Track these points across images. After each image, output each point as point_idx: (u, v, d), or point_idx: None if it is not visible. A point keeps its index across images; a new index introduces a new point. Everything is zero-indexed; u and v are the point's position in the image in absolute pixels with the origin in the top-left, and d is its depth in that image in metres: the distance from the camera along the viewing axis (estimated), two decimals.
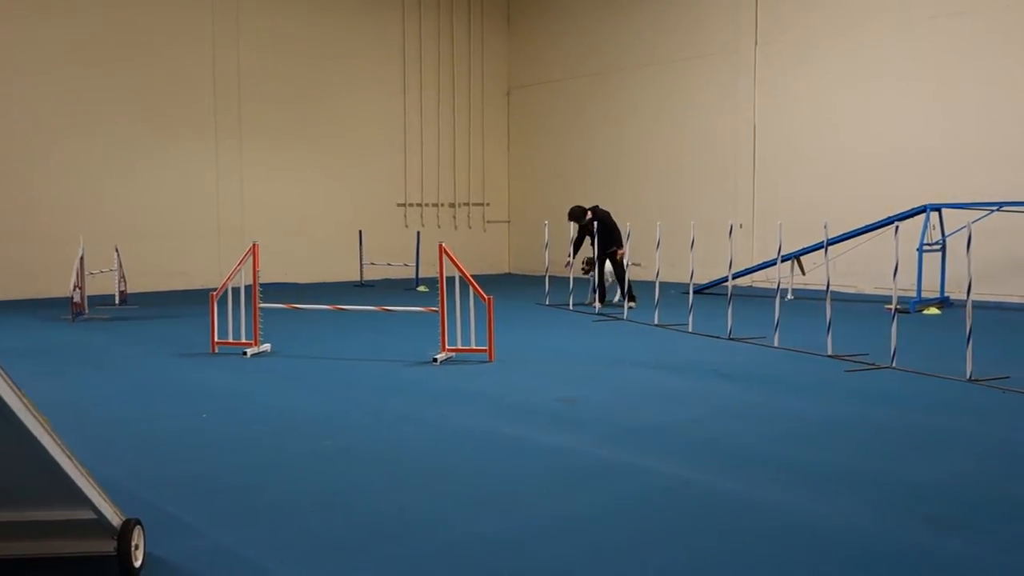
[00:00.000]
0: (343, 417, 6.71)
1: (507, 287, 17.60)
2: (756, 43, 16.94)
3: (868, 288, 14.97)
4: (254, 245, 9.53)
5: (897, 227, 8.48)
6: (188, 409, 6.98)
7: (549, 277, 14.44)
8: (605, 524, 4.38)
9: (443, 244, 9.14)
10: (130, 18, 16.73)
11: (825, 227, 9.64)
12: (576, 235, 13.85)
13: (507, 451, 5.72)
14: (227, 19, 17.75)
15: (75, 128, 16.21)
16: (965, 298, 7.70)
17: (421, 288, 16.19)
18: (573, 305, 13.40)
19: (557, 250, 16.40)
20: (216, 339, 9.52)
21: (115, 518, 3.60)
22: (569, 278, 13.62)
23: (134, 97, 16.82)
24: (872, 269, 14.39)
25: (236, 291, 9.53)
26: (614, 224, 13.60)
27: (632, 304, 12.90)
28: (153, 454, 5.72)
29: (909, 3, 14.88)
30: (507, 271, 22.07)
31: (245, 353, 9.27)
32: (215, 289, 9.64)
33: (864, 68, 15.47)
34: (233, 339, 9.53)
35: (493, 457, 5.60)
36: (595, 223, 13.23)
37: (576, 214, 13.72)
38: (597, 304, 13.25)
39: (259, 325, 9.49)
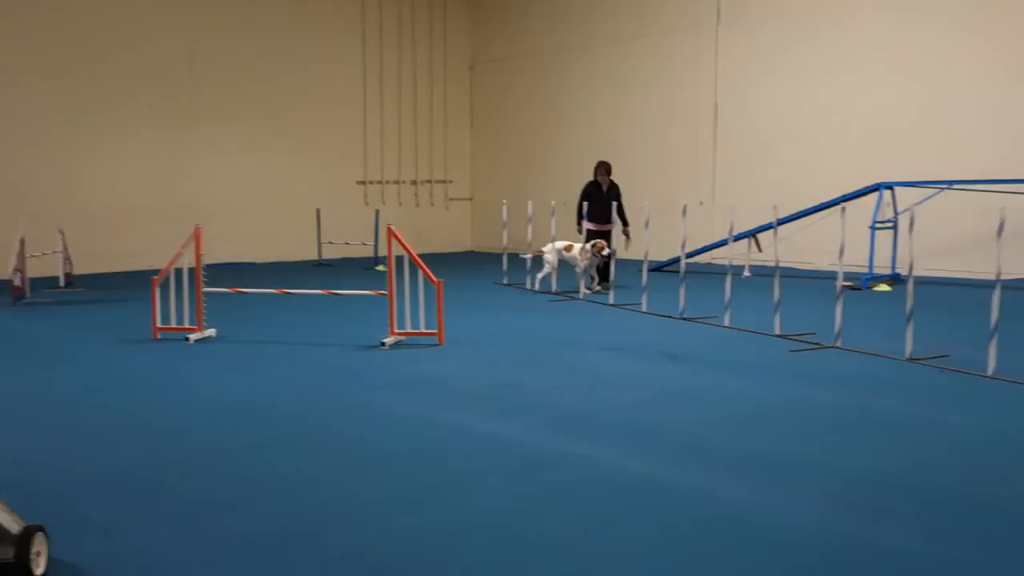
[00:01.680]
0: (280, 406, 6.60)
1: (468, 265, 17.50)
2: (718, 21, 16.85)
3: (824, 265, 15.00)
4: (196, 228, 9.35)
5: (844, 208, 8.45)
6: (120, 400, 6.82)
7: (508, 256, 14.34)
8: (532, 516, 4.32)
9: (392, 227, 9.02)
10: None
11: (775, 208, 9.58)
12: (584, 199, 12.92)
13: (443, 440, 5.64)
14: None
15: (14, 107, 15.79)
16: (915, 275, 7.72)
17: (380, 267, 16.04)
18: (538, 286, 13.30)
19: (516, 228, 16.32)
20: (158, 324, 9.35)
21: (14, 526, 3.49)
22: (528, 257, 13.50)
23: (79, 75, 16.42)
24: (828, 246, 14.39)
25: (181, 275, 9.35)
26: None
27: (599, 288, 12.72)
28: (75, 448, 5.56)
29: None
30: (470, 248, 21.95)
31: (188, 339, 9.11)
32: (177, 271, 9.39)
33: (823, 47, 15.45)
34: (176, 324, 9.36)
35: (428, 447, 5.52)
36: (617, 188, 12.90)
37: (609, 168, 13.06)
38: (602, 287, 12.66)
39: (203, 310, 9.32)
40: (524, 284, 13.44)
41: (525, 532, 4.12)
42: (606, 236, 12.81)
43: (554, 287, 12.70)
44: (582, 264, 12.31)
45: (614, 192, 12.98)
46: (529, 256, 13.33)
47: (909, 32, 14.36)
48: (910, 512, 4.33)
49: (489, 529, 4.17)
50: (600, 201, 12.87)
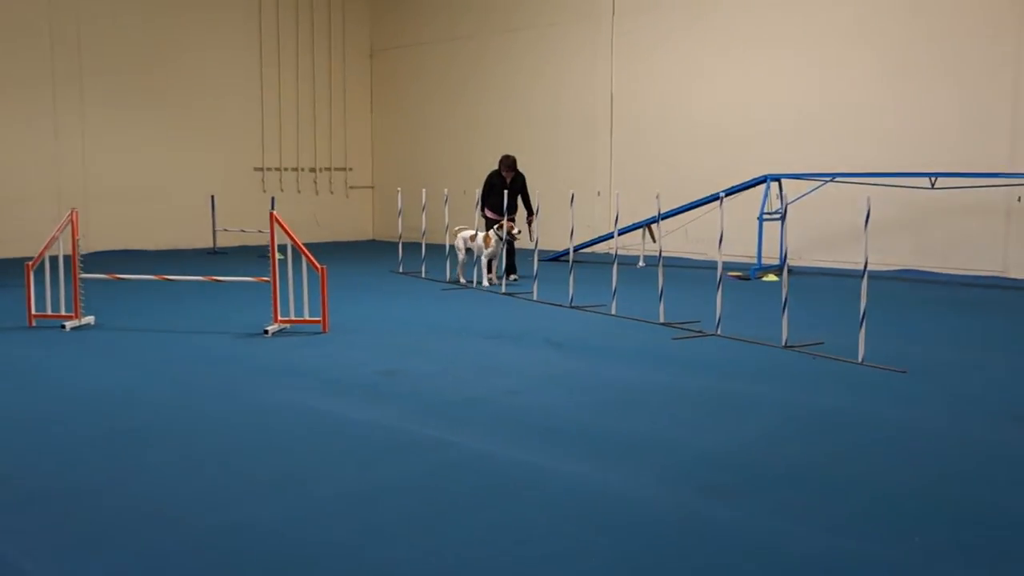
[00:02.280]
0: (149, 394, 6.45)
1: (366, 254, 17.36)
2: (614, 12, 17.02)
3: (716, 256, 15.32)
4: (72, 211, 9.05)
5: (722, 200, 8.66)
6: None
7: (403, 244, 14.27)
8: (387, 502, 4.31)
9: (275, 213, 8.89)
10: None
11: (657, 198, 9.76)
12: (487, 189, 12.81)
13: (310, 428, 5.59)
14: None
15: None
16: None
17: (280, 256, 15.73)
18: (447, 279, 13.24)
19: (411, 216, 16.24)
20: (33, 311, 9.03)
21: None
22: (422, 245, 13.44)
23: None
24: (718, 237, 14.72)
25: (57, 261, 9.04)
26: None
27: (514, 277, 12.67)
28: None
29: None
30: (371, 237, 21.78)
31: (64, 326, 8.82)
32: (55, 258, 9.08)
33: (714, 40, 15.75)
34: (53, 311, 9.06)
35: (294, 434, 5.46)
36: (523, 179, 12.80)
37: (513, 163, 12.88)
38: (492, 280, 12.43)
39: (80, 297, 9.04)
40: (419, 273, 13.37)
41: (374, 518, 4.11)
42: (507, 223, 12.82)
43: (462, 277, 12.52)
44: (486, 251, 12.23)
45: (518, 183, 12.98)
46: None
47: (799, 28, 14.75)
48: (752, 489, 4.46)
49: (338, 515, 4.14)
50: (502, 191, 12.86)
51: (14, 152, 16.45)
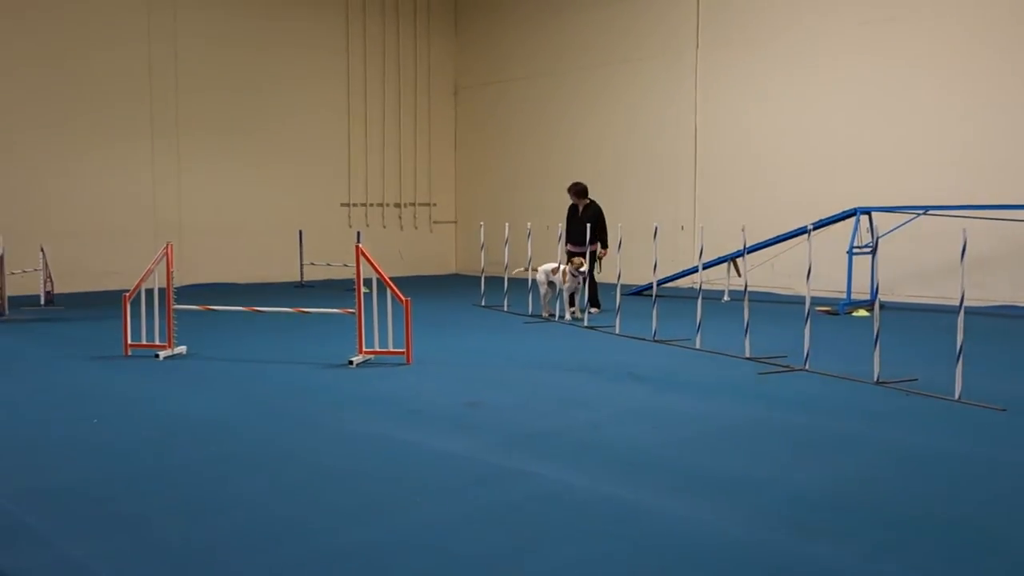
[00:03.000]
0: (240, 422, 6.57)
1: (449, 288, 17.51)
2: (697, 46, 16.98)
3: (804, 290, 15.03)
4: (168, 245, 9.35)
5: (809, 233, 8.49)
6: (83, 414, 6.80)
7: (485, 278, 14.34)
8: (470, 532, 4.29)
9: (360, 246, 9.04)
10: (65, 12, 16.43)
11: (743, 230, 9.62)
12: (567, 222, 12.92)
13: (395, 457, 5.62)
14: (164, 12, 17.47)
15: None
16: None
17: (364, 290, 15.97)
18: (514, 311, 13.26)
19: (493, 251, 16.32)
20: (129, 341, 9.33)
21: None
22: (504, 279, 13.49)
23: (65, 92, 16.51)
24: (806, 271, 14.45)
25: (153, 293, 9.34)
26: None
27: (596, 310, 12.65)
28: (30, 462, 5.55)
29: (842, 9, 14.98)
30: (454, 271, 21.97)
31: (158, 356, 9.09)
32: (151, 290, 9.42)
33: (800, 72, 15.56)
34: (147, 341, 9.34)
35: (379, 464, 5.49)
36: (596, 208, 12.84)
37: (582, 190, 13.05)
38: (575, 314, 12.29)
39: (173, 327, 9.31)
40: (502, 306, 13.41)
41: (460, 549, 4.09)
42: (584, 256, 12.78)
43: (545, 311, 12.52)
44: (564, 285, 12.19)
45: (589, 213, 12.96)
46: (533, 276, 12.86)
47: (889, 58, 14.47)
48: (853, 530, 4.31)
49: (426, 547, 4.13)
50: (577, 223, 12.87)
51: (115, 190, 17.12)
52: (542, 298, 12.43)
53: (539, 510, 4.62)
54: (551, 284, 12.35)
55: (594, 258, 12.60)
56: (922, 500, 4.78)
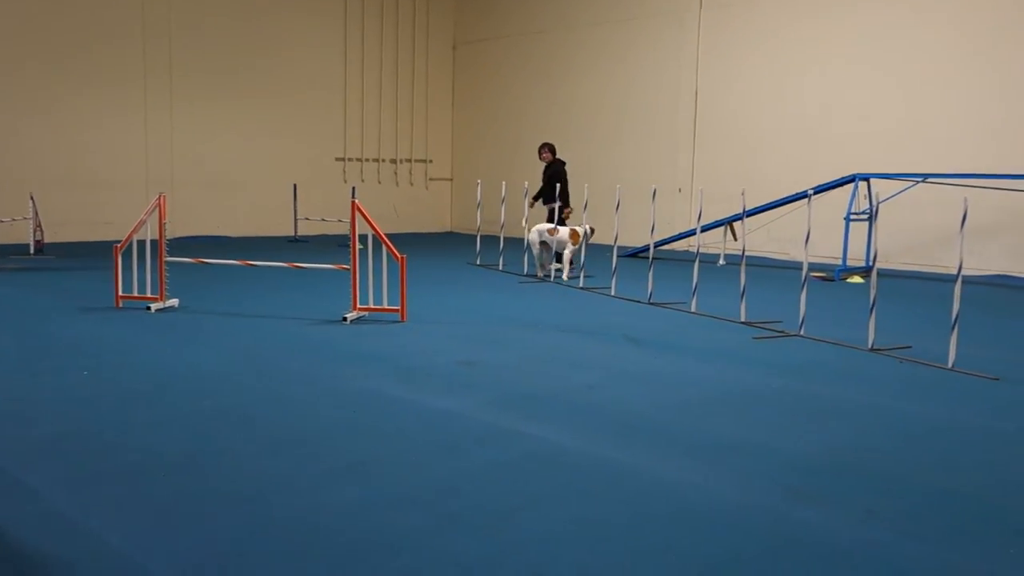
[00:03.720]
0: (232, 376, 6.53)
1: (444, 246, 17.43)
2: (701, 6, 16.76)
3: (800, 255, 15.00)
4: (160, 196, 9.25)
5: (810, 198, 8.42)
6: (73, 366, 6.75)
7: (481, 237, 14.27)
8: (465, 492, 4.27)
9: (356, 202, 8.94)
10: None
11: (743, 194, 9.54)
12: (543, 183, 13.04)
13: (389, 415, 5.59)
14: None
15: None
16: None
17: (359, 246, 15.88)
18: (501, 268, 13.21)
19: (490, 210, 16.21)
20: (120, 293, 9.26)
21: None
22: (500, 238, 13.43)
23: (57, 42, 16.25)
24: (804, 236, 14.40)
25: (144, 244, 9.24)
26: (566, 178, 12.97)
27: (558, 267, 12.60)
28: (19, 413, 5.50)
29: None
30: (449, 229, 21.87)
31: (149, 308, 9.02)
32: (143, 241, 9.31)
33: (804, 36, 15.39)
34: (139, 293, 9.27)
35: (373, 421, 5.47)
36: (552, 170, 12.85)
37: (540, 148, 13.20)
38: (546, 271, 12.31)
39: (165, 279, 9.23)
40: (497, 265, 13.35)
41: (452, 506, 4.07)
42: (550, 215, 12.84)
43: (539, 271, 12.44)
44: (571, 247, 12.08)
45: (550, 172, 13.00)
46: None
47: (891, 27, 14.31)
48: (846, 496, 4.30)
49: (416, 503, 4.12)
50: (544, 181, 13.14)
51: (106, 140, 16.92)
52: (536, 258, 12.37)
53: (533, 470, 4.60)
54: (544, 244, 12.27)
55: (553, 215, 12.68)
56: (914, 467, 4.77)
